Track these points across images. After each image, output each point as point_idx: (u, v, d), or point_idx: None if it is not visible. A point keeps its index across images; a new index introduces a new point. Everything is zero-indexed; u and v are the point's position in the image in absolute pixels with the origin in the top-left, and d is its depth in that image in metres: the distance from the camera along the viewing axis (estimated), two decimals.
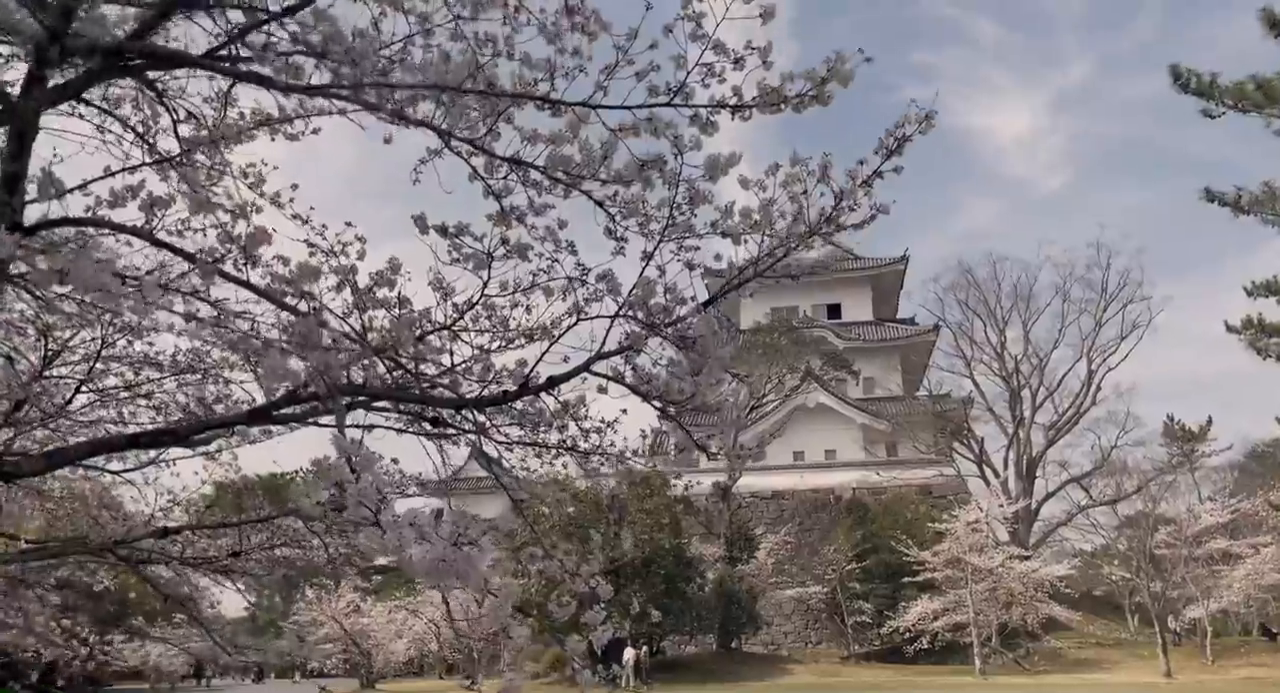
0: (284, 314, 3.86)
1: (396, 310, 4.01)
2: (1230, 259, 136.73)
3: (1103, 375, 52.10)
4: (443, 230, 4.09)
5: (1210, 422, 51.14)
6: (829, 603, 46.09)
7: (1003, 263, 54.74)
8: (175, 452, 8.54)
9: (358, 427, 6.01)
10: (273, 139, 4.87)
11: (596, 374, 4.79)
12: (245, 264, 3.43)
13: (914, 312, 65.40)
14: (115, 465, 8.05)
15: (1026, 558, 41.85)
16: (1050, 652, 42.53)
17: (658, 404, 5.17)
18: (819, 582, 45.71)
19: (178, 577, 8.45)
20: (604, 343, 4.74)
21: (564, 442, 5.76)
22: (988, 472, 51.87)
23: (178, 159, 4.53)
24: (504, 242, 4.10)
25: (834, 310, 65.39)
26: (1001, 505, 45.48)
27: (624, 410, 5.81)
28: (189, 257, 3.41)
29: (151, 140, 4.26)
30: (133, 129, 4.45)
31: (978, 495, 48.12)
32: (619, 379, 4.93)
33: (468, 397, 4.55)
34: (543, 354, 4.48)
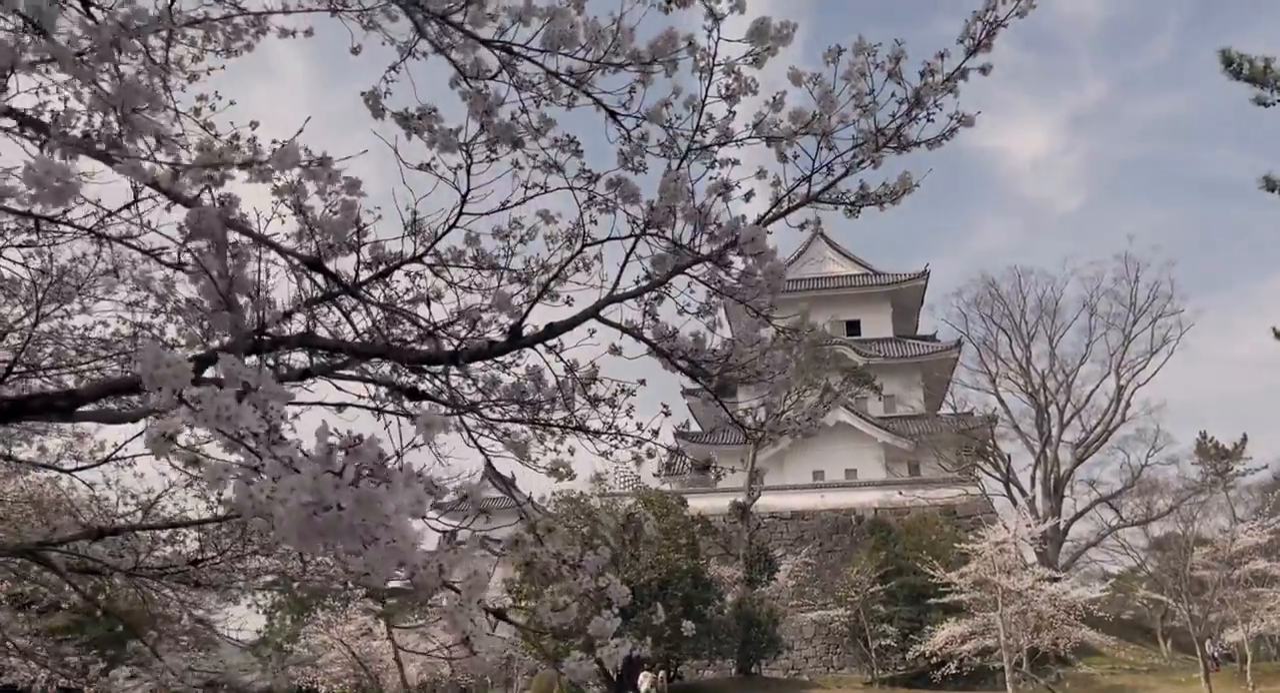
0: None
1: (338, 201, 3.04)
2: (1252, 282, 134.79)
3: (1132, 392, 50.73)
4: (405, 118, 3.13)
5: (1245, 440, 49.67)
6: (852, 626, 44.68)
7: (1027, 276, 53.58)
8: (135, 448, 7.61)
9: (321, 404, 5.07)
10: (209, 38, 3.94)
11: (608, 323, 3.81)
12: (122, 135, 2.49)
13: (935, 327, 64.27)
14: (68, 463, 7.11)
15: (1056, 580, 40.42)
16: (1083, 678, 41.00)
17: (684, 365, 4.19)
18: (841, 604, 44.34)
19: (134, 588, 7.48)
20: (617, 283, 3.77)
21: (569, 420, 4.78)
22: (1014, 491, 50.45)
23: (81, 55, 3.59)
24: (483, 128, 3.13)
25: (853, 327, 64.21)
26: (1029, 526, 44.09)
27: (642, 382, 4.83)
28: (40, 126, 2.48)
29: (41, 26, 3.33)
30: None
31: (1004, 515, 46.72)
32: (635, 332, 3.95)
33: (446, 351, 3.59)
34: (541, 291, 3.51)
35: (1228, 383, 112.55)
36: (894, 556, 43.84)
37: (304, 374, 4.24)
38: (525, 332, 3.73)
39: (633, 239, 3.26)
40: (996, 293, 53.25)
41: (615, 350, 4.32)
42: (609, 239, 3.36)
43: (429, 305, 3.87)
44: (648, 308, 3.93)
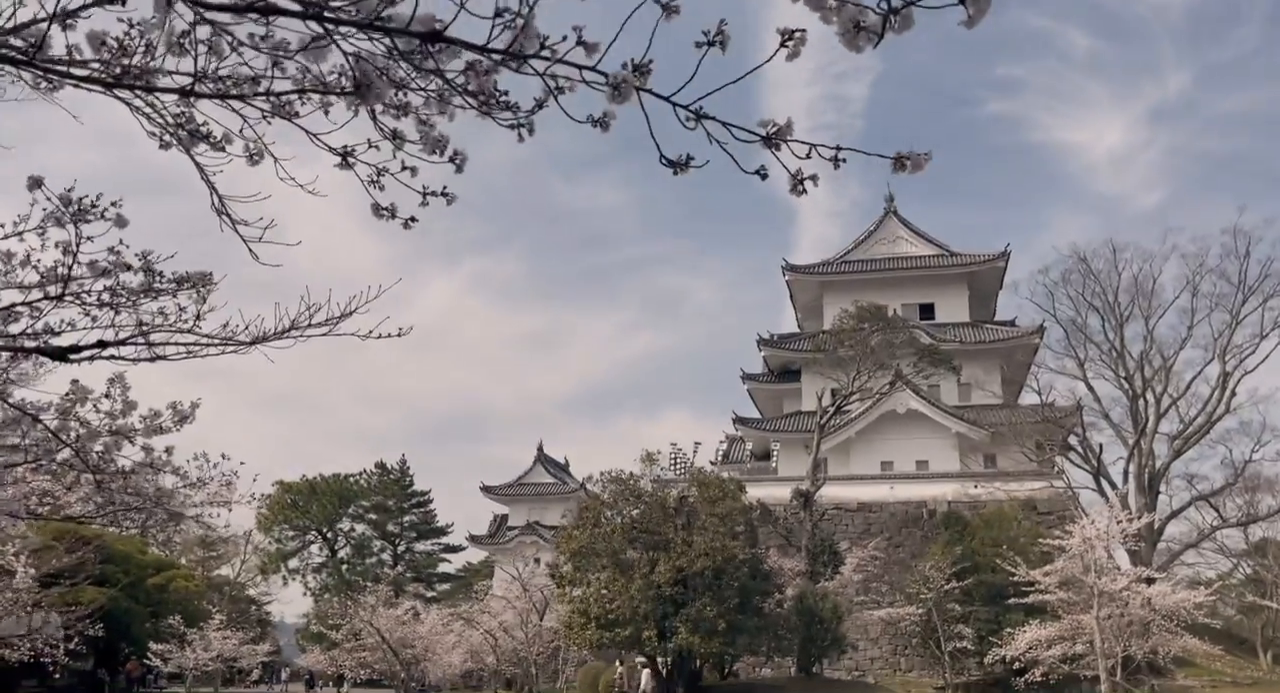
0: None
1: None
2: None
3: (1238, 380, 46.11)
4: None
5: None
6: (923, 626, 41.31)
7: (1122, 252, 49.12)
8: None
9: None
10: None
11: None
12: None
13: (1017, 308, 60.26)
14: None
15: (1153, 581, 36.64)
16: (1179, 690, 37.27)
17: None
18: (911, 602, 40.99)
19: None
20: None
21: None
22: (1105, 485, 46.32)
23: None
24: None
25: (926, 311, 60.53)
26: (1120, 523, 40.29)
27: None
28: None
29: None
30: None
31: (1092, 510, 42.92)
32: None
33: None
34: None
35: None
36: (970, 552, 40.47)
37: None
38: None
39: None
40: (1088, 269, 48.89)
41: None
42: None
43: None
44: None
